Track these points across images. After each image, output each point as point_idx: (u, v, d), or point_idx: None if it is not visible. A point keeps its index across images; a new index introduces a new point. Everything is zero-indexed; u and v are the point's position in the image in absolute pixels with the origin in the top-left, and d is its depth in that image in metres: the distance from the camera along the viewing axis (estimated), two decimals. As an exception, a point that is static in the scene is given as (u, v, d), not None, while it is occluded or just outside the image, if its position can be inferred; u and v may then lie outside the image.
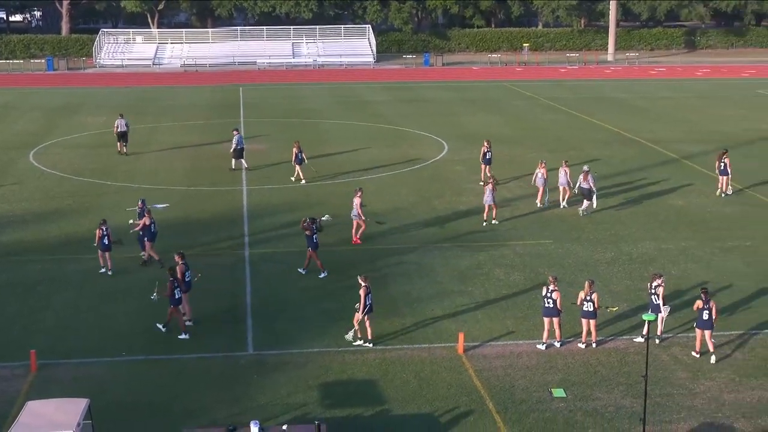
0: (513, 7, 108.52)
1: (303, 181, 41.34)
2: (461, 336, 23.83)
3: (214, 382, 22.01)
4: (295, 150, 41.84)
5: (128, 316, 25.96)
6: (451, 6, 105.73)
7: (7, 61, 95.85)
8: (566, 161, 38.32)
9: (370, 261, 30.60)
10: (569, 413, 20.44)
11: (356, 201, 32.71)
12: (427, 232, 33.98)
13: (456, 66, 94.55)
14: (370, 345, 23.96)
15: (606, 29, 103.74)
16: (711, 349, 23.09)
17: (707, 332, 23.03)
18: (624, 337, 24.49)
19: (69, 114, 60.41)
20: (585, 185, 35.96)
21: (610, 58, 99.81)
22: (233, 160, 44.74)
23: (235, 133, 44.84)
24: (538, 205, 37.23)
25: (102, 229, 29.31)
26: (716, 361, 22.83)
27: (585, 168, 36.82)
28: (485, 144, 41.56)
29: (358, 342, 24.05)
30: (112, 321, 25.66)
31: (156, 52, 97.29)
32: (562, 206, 36.94)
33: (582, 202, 36.31)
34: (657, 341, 23.92)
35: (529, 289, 27.71)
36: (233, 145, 44.28)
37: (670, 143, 50.02)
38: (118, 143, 48.72)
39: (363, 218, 32.67)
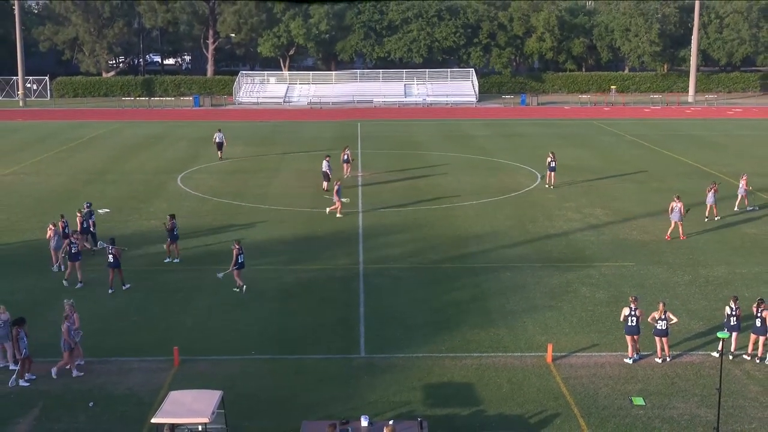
0: (602, 53, 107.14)
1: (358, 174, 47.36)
2: (550, 346, 23.52)
3: (331, 380, 22.14)
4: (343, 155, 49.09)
5: (257, 321, 26.33)
6: (546, 52, 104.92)
7: (161, 98, 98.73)
8: None
9: (469, 277, 30.46)
10: (648, 420, 19.95)
11: (679, 205, 35.20)
12: (521, 252, 33.65)
13: (549, 105, 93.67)
14: (243, 290, 28.51)
15: (687, 73, 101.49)
16: (759, 353, 23.30)
17: (761, 338, 23.15)
18: (700, 352, 23.81)
19: (211, 144, 61.74)
20: None
21: (690, 99, 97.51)
22: (218, 152, 55.85)
23: (218, 131, 56.71)
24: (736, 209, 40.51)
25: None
26: None
27: None
28: (550, 155, 46.01)
29: (236, 289, 28.64)
30: (244, 324, 26.06)
31: (286, 91, 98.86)
32: None
33: None
34: (731, 357, 23.21)
35: (613, 306, 27.18)
36: (215, 140, 55.98)
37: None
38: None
39: (683, 218, 35.42)
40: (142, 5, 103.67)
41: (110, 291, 28.92)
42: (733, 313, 23.47)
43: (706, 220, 38.44)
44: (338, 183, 40.39)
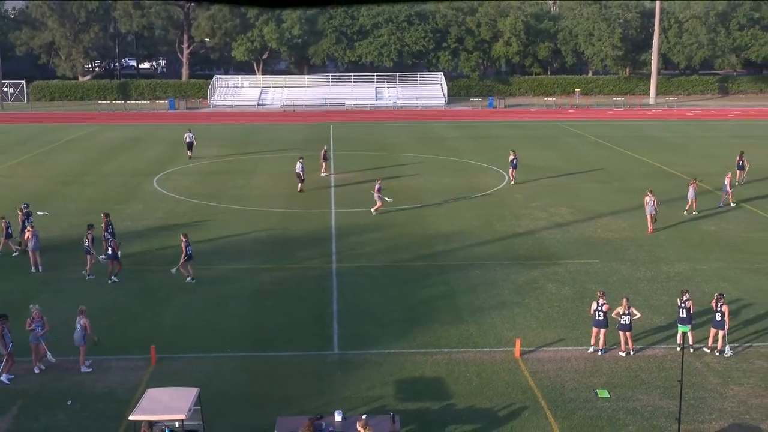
0: (567, 57, 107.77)
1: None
2: (518, 341, 23.64)
3: (305, 377, 22.12)
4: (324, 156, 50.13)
5: (233, 319, 26.25)
6: (513, 56, 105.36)
7: (137, 101, 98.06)
8: None
9: (439, 275, 30.53)
10: (612, 412, 20.12)
11: (653, 199, 36.18)
12: (489, 250, 33.79)
13: (516, 108, 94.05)
14: (193, 281, 29.25)
15: (648, 77, 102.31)
16: (719, 346, 23.50)
17: (721, 332, 23.43)
18: (662, 346, 24.04)
19: (187, 146, 61.50)
20: None
21: (651, 101, 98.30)
22: (187, 150, 56.39)
23: (188, 131, 57.71)
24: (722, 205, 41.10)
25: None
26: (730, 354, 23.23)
27: None
28: (511, 153, 47.34)
29: (189, 279, 29.29)
30: (220, 323, 25.97)
31: (260, 94, 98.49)
32: None
33: None
34: (691, 350, 23.44)
35: (578, 302, 27.36)
36: (185, 140, 56.67)
37: (704, 176, 48.85)
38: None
39: (656, 212, 36.37)
40: (117, 10, 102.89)
41: (112, 280, 29.74)
42: (681, 305, 23.67)
43: (684, 213, 39.27)
44: (379, 181, 40.45)
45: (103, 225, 32.58)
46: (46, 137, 68.82)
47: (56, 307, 26.39)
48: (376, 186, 39.76)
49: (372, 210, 39.57)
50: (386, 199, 40.01)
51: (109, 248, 29.83)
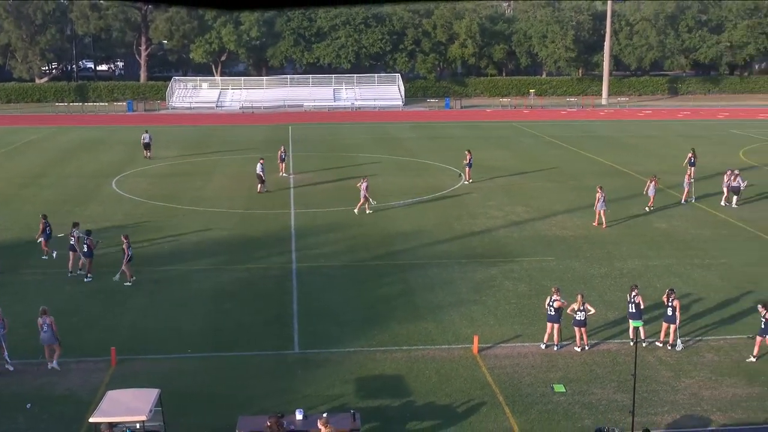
0: (521, 59, 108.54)
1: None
2: (476, 338, 23.76)
3: (266, 376, 22.03)
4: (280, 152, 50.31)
5: (193, 319, 26.05)
6: (469, 58, 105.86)
7: (95, 103, 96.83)
8: (733, 170, 42.50)
9: (398, 273, 30.57)
10: (568, 406, 20.30)
11: (603, 195, 36.61)
12: (447, 249, 33.91)
13: (472, 108, 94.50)
14: (131, 282, 29.10)
15: (600, 78, 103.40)
16: (671, 340, 23.77)
17: (672, 326, 23.71)
18: (616, 340, 24.31)
19: (144, 147, 60.87)
20: (735, 184, 41.16)
21: (603, 102, 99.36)
22: (144, 151, 56.66)
23: (145, 131, 57.32)
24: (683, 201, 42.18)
25: None
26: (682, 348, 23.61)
27: (736, 171, 41.95)
28: (467, 153, 47.78)
29: (127, 283, 28.91)
30: (180, 323, 25.76)
31: (219, 96, 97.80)
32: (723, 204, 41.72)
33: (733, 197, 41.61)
34: (644, 344, 23.73)
35: (534, 299, 27.56)
36: (143, 141, 56.82)
37: (655, 175, 49.50)
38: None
39: (604, 211, 36.89)
40: (74, 12, 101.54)
41: (88, 278, 29.80)
42: (631, 300, 23.98)
43: (646, 209, 40.11)
44: (366, 180, 40.31)
45: (41, 227, 32.47)
46: (3, 139, 67.65)
47: (13, 309, 25.97)
48: (364, 185, 39.64)
49: (355, 209, 39.66)
50: (371, 201, 39.98)
51: (85, 245, 29.83)
